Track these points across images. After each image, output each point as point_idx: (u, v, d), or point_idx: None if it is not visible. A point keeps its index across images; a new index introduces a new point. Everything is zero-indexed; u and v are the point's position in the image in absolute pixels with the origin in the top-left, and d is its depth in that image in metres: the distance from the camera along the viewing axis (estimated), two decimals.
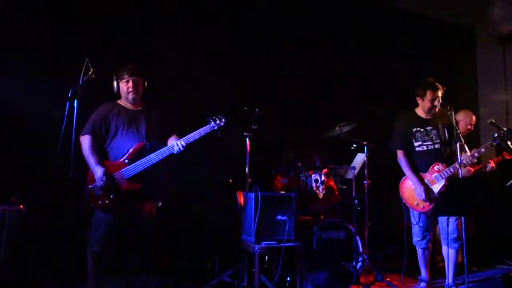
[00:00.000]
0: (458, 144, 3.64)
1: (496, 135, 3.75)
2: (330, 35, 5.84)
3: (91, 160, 3.18)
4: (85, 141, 3.25)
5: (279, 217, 3.79)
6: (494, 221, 5.23)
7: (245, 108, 4.16)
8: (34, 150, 3.21)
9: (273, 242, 3.72)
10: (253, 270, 3.65)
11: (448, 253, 3.84)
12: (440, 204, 3.30)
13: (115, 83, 3.34)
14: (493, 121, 3.96)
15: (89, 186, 3.17)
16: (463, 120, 4.67)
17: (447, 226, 3.75)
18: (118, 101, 3.39)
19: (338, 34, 5.89)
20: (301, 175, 4.42)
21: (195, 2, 5.12)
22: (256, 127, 4.17)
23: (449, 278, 3.83)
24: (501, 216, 5.21)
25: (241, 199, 4.12)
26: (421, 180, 3.84)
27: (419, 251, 4.00)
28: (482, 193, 3.28)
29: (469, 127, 4.72)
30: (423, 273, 4.03)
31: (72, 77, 2.99)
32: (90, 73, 2.99)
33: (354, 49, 5.95)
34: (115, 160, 3.25)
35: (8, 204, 3.65)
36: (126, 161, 3.22)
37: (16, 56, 4.14)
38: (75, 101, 2.88)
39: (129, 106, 3.38)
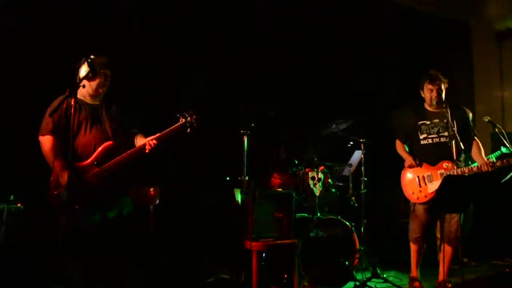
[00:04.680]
0: (453, 142, 3.66)
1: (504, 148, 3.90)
2: (325, 31, 5.83)
3: (55, 163, 2.91)
4: (47, 142, 3.00)
5: None
6: (491, 218, 5.26)
7: (243, 105, 4.19)
8: (32, 148, 3.15)
9: (271, 239, 3.73)
10: (251, 267, 3.66)
11: (444, 250, 3.84)
12: (437, 200, 3.30)
13: (82, 73, 3.02)
14: (489, 118, 4.00)
15: (55, 193, 2.94)
16: None
17: (446, 223, 3.78)
18: (74, 94, 2.86)
19: (334, 30, 5.88)
20: (298, 173, 4.43)
21: None
22: (253, 124, 4.21)
23: (444, 275, 3.84)
24: (498, 213, 5.25)
25: (238, 196, 4.14)
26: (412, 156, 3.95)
27: (413, 247, 3.96)
28: (479, 190, 3.31)
29: None
30: (415, 271, 3.96)
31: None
32: (89, 72, 2.93)
33: (349, 45, 5.95)
34: (81, 160, 3.01)
35: (7, 203, 3.66)
36: (95, 162, 3.02)
37: None
38: (73, 99, 2.75)
39: (88, 100, 3.14)
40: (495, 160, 3.71)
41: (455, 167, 3.71)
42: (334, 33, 5.87)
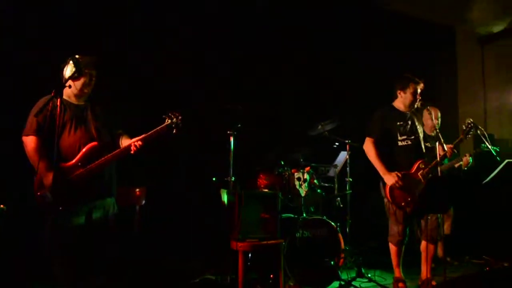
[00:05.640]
0: (437, 143, 3.73)
1: (464, 127, 3.93)
2: (312, 33, 5.88)
3: (39, 164, 2.87)
4: (30, 142, 2.97)
5: None
6: (472, 218, 5.36)
7: (229, 106, 4.20)
8: (14, 149, 3.12)
9: (257, 239, 3.74)
10: (237, 267, 3.66)
11: (428, 248, 3.91)
12: (422, 202, 3.35)
13: (68, 73, 2.99)
14: (471, 120, 4.08)
15: (38, 194, 2.92)
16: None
17: (427, 222, 3.84)
18: (60, 95, 2.84)
19: (321, 32, 5.93)
20: (284, 173, 4.46)
21: None
22: (240, 125, 4.23)
23: (428, 273, 3.90)
24: (479, 213, 5.35)
25: (224, 197, 4.15)
26: (387, 169, 3.82)
27: (394, 249, 3.97)
28: (460, 191, 3.39)
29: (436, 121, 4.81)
30: (398, 272, 3.99)
31: None
32: (75, 72, 2.91)
33: (335, 48, 6.01)
34: (66, 160, 2.98)
35: None
36: (79, 163, 3.00)
37: None
38: (58, 100, 2.74)
39: (72, 100, 3.12)
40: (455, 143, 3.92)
41: (428, 163, 3.83)
42: (321, 35, 5.93)
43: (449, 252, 5.13)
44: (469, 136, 3.94)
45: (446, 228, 5.04)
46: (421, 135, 4.02)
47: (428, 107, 4.12)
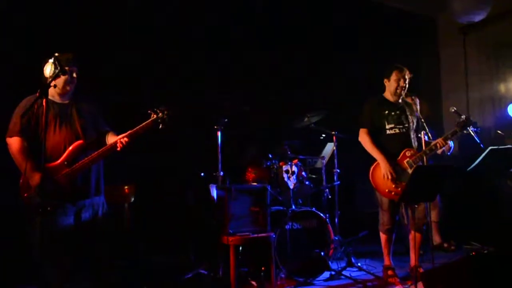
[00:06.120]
0: (422, 133, 3.79)
1: (457, 121, 3.95)
2: (295, 26, 5.89)
3: (24, 165, 2.84)
4: (14, 143, 2.95)
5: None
6: (460, 205, 5.45)
7: (216, 101, 4.21)
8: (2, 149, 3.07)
9: (247, 233, 3.77)
10: (229, 261, 3.69)
11: (415, 237, 3.97)
12: (407, 191, 3.40)
13: (49, 72, 2.95)
14: (455, 108, 4.16)
15: (26, 195, 2.91)
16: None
17: (414, 212, 3.90)
18: (46, 94, 2.81)
19: (305, 23, 5.94)
20: (272, 166, 4.48)
21: None
22: (227, 120, 4.23)
23: (416, 260, 3.97)
24: (466, 200, 5.45)
25: (214, 192, 4.15)
26: (386, 158, 3.88)
27: (384, 237, 4.04)
28: (446, 179, 3.45)
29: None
30: (387, 260, 4.06)
31: None
32: (58, 71, 2.84)
33: (318, 39, 6.02)
34: (51, 160, 2.94)
35: None
36: (65, 162, 2.96)
37: None
38: (44, 100, 2.69)
39: (56, 99, 3.09)
40: (447, 135, 3.93)
41: (417, 152, 3.86)
42: (305, 27, 5.94)
43: (446, 238, 5.24)
44: (466, 132, 3.96)
45: (434, 216, 5.13)
46: (412, 125, 4.04)
47: (413, 97, 4.19)
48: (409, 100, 4.27)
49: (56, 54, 2.95)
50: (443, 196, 5.29)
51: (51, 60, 2.95)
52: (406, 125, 4.01)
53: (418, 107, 4.28)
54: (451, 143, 4.70)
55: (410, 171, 3.86)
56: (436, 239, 5.23)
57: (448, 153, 4.84)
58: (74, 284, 3.08)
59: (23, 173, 2.89)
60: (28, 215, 2.93)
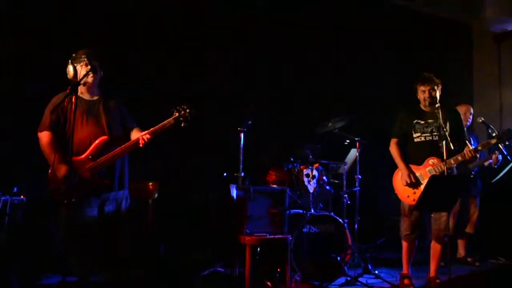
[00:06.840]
0: (444, 142, 3.74)
1: (494, 134, 3.89)
2: (325, 30, 5.90)
3: (52, 157, 3.00)
4: (44, 137, 3.12)
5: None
6: (488, 218, 5.31)
7: (240, 103, 4.29)
8: (34, 141, 3.25)
9: (264, 234, 3.83)
10: (245, 261, 3.75)
11: (433, 247, 3.92)
12: (421, 199, 3.37)
13: (71, 68, 3.09)
14: (483, 119, 4.11)
15: (52, 186, 3.05)
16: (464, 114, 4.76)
17: (435, 221, 3.85)
18: (75, 92, 2.95)
19: (334, 29, 5.95)
20: (293, 170, 4.52)
21: None
22: (251, 122, 4.31)
23: (434, 271, 3.92)
24: (493, 213, 5.31)
25: (233, 192, 4.23)
26: (408, 167, 3.90)
27: (405, 244, 4.02)
28: (463, 190, 3.40)
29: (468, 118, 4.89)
30: (406, 268, 4.03)
31: None
32: (89, 70, 3.02)
33: (349, 44, 6.02)
34: (77, 154, 3.07)
35: (10, 195, 3.77)
36: (90, 157, 3.09)
37: None
38: (74, 97, 2.84)
39: (85, 96, 3.21)
40: (478, 147, 3.85)
41: (441, 162, 3.76)
42: (333, 31, 5.94)
43: (471, 253, 5.08)
44: (503, 145, 3.89)
45: (470, 227, 5.04)
46: (444, 133, 3.94)
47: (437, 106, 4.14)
48: (460, 108, 4.22)
49: (74, 55, 3.12)
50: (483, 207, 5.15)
51: (77, 59, 3.11)
52: (436, 133, 3.96)
53: (464, 116, 4.28)
54: (499, 156, 4.68)
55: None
56: (461, 252, 5.12)
57: (495, 166, 4.81)
58: (95, 275, 3.20)
59: (51, 165, 3.05)
60: (53, 206, 3.09)
